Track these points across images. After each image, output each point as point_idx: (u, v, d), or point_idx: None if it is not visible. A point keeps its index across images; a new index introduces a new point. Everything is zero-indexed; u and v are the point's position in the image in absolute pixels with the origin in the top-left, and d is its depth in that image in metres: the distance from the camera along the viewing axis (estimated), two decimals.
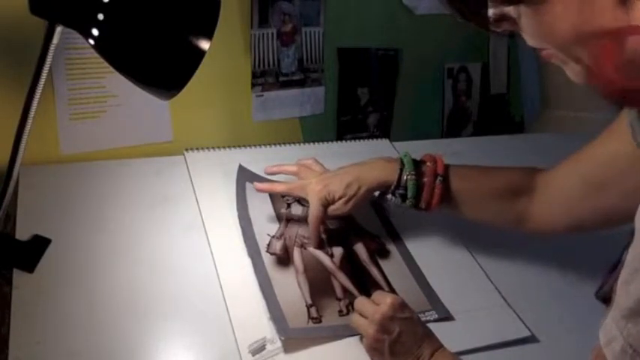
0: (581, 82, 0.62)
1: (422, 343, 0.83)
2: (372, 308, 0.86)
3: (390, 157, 1.04)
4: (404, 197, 1.00)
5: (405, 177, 0.99)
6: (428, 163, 1.00)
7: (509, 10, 0.60)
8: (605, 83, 0.58)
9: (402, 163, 1.00)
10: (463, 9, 0.62)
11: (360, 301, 0.90)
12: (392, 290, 0.98)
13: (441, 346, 0.84)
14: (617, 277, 0.61)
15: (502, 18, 0.61)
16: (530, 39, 0.62)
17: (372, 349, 0.85)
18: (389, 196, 1.01)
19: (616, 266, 0.70)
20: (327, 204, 1.00)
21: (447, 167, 1.01)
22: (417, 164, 1.00)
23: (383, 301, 0.86)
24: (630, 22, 0.54)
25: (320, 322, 0.91)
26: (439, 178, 0.99)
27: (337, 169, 1.04)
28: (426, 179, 0.99)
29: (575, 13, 0.56)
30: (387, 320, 0.84)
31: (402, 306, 0.86)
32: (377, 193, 1.05)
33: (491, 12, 0.60)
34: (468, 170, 1.03)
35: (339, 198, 1.00)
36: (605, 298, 0.73)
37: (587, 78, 0.61)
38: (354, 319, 0.89)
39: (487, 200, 1.01)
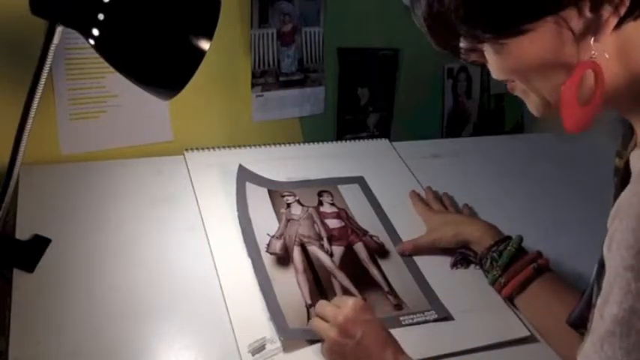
0: (540, 114, 0.68)
1: (385, 347, 0.81)
2: (334, 311, 0.84)
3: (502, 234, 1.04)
4: (494, 261, 0.99)
5: (505, 246, 0.99)
6: (534, 252, 0.99)
7: (478, 44, 0.64)
8: (565, 109, 0.63)
9: (510, 238, 1.01)
10: (439, 40, 0.68)
11: (322, 305, 0.88)
12: (392, 290, 0.98)
13: (403, 352, 0.81)
14: (587, 302, 0.66)
15: (472, 50, 0.66)
16: (495, 72, 0.67)
17: (332, 352, 0.82)
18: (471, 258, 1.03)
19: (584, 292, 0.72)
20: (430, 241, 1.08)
21: (549, 267, 0.97)
22: (523, 249, 0.99)
23: (345, 304, 0.84)
24: (580, 56, 0.59)
25: None
26: (535, 264, 0.96)
27: (460, 219, 1.11)
28: (523, 257, 0.97)
29: (541, 47, 0.60)
30: (350, 323, 0.82)
31: (365, 308, 0.84)
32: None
33: (462, 44, 0.65)
34: (564, 283, 0.96)
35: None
36: (576, 324, 0.75)
37: (546, 107, 0.66)
38: (315, 322, 0.86)
39: (555, 318, 0.90)
